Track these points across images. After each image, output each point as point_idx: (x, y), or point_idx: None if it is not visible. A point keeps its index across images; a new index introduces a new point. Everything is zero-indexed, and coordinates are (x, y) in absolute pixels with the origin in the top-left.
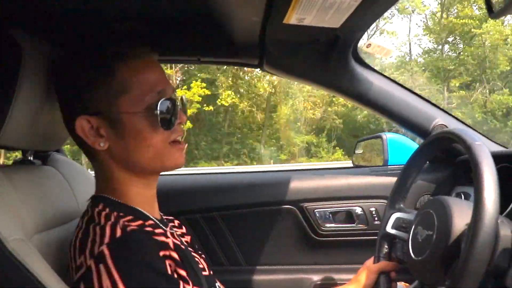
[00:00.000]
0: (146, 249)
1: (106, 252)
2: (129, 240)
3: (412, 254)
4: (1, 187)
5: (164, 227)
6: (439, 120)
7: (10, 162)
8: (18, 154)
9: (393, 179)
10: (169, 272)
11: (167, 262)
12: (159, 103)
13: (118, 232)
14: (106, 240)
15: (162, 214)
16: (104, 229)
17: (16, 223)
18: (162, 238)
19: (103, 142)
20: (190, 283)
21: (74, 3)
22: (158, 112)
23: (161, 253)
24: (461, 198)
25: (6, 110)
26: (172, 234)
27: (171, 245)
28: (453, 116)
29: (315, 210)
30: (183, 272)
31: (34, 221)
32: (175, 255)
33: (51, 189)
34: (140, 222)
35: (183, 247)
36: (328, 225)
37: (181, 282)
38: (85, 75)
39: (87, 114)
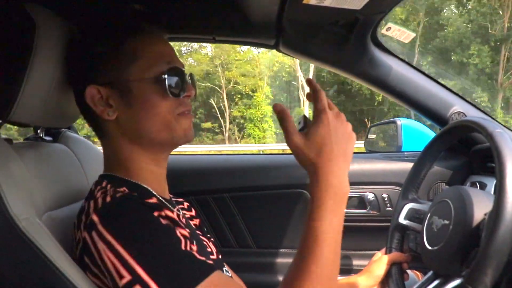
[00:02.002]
0: (136, 208)
1: (96, 218)
2: (118, 203)
3: (426, 244)
4: (13, 164)
5: (171, 207)
6: (457, 107)
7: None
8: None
9: (407, 166)
10: (163, 223)
11: (162, 220)
12: (167, 70)
13: (108, 199)
14: (96, 208)
15: (171, 195)
16: (96, 201)
17: (27, 202)
18: (153, 201)
19: (112, 112)
20: (194, 242)
21: None
22: (166, 78)
23: (155, 213)
24: (477, 187)
25: (19, 85)
26: (178, 216)
27: (175, 217)
28: (472, 104)
29: None
30: (183, 231)
31: (45, 199)
32: (171, 214)
33: (62, 167)
34: (134, 194)
35: (188, 230)
36: None
37: (178, 232)
38: (96, 46)
39: (96, 83)
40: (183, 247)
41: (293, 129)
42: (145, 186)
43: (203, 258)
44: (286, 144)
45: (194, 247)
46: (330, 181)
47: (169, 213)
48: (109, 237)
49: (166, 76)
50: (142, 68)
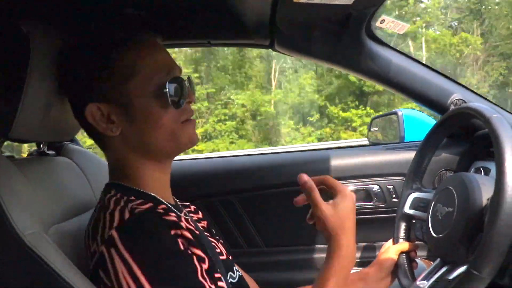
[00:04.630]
0: (156, 228)
1: (115, 235)
2: (138, 221)
3: (432, 232)
4: (16, 180)
5: (178, 212)
6: (457, 95)
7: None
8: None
9: (410, 155)
10: (182, 248)
11: (179, 240)
12: (167, 82)
13: (127, 215)
14: (115, 224)
15: (177, 200)
16: (113, 214)
17: (32, 216)
18: (173, 219)
19: (115, 128)
20: (206, 261)
21: None
22: (167, 91)
23: (172, 232)
24: (481, 173)
25: (16, 102)
26: (186, 219)
27: (184, 226)
28: (471, 90)
29: None
30: (197, 251)
31: (50, 212)
32: (187, 234)
33: (66, 180)
34: (150, 205)
35: (197, 232)
36: None
37: (194, 258)
38: (90, 63)
39: (96, 101)
40: (199, 277)
41: (321, 199)
42: (152, 194)
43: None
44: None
45: (205, 265)
46: (345, 252)
47: (185, 233)
48: (128, 258)
49: (167, 88)
50: (141, 82)
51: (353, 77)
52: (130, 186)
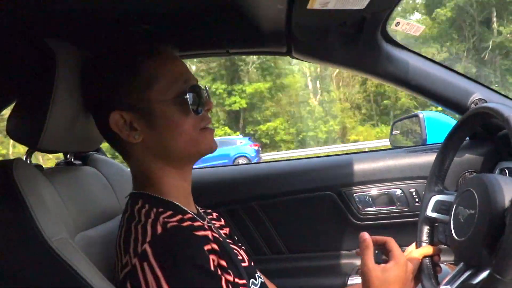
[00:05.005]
0: (188, 245)
1: (149, 250)
2: (171, 237)
3: (454, 235)
4: (44, 189)
5: (201, 220)
6: (477, 94)
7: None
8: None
9: (432, 158)
10: (212, 268)
11: (211, 257)
12: (187, 89)
13: (159, 229)
14: (148, 238)
15: (199, 207)
16: (146, 227)
17: (59, 223)
18: (202, 232)
19: (137, 135)
20: (231, 273)
21: (101, 7)
22: (188, 97)
23: (205, 248)
24: (506, 174)
25: (44, 116)
26: (210, 227)
27: (211, 237)
28: (492, 89)
29: (354, 195)
30: (223, 263)
31: (77, 220)
32: (216, 246)
33: (92, 188)
34: (179, 216)
35: (221, 239)
36: (368, 209)
37: (223, 278)
38: (113, 72)
39: (119, 109)
40: None
41: (371, 259)
42: (177, 203)
43: None
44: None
45: (230, 277)
46: None
47: (214, 245)
48: (160, 274)
49: (187, 95)
50: (162, 89)
51: None
52: (155, 195)
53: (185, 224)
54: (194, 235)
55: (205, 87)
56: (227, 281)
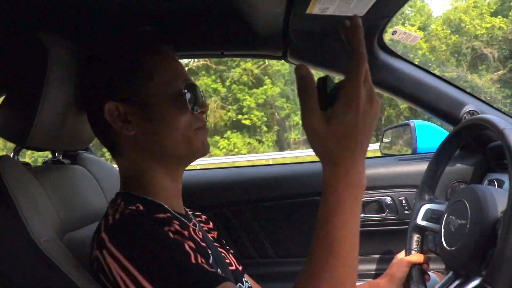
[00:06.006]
0: (144, 223)
1: (105, 236)
2: (126, 219)
3: (445, 244)
4: (32, 188)
5: (186, 221)
6: (470, 106)
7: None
8: (48, 154)
9: (422, 167)
10: (171, 236)
11: (169, 233)
12: (185, 87)
13: (117, 216)
14: (105, 227)
15: (188, 209)
16: (107, 218)
17: (48, 223)
18: (164, 216)
19: (131, 128)
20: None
21: (100, 4)
22: (186, 92)
23: (165, 228)
24: (494, 185)
25: (34, 112)
26: (194, 230)
27: (186, 234)
28: (484, 102)
29: None
30: (193, 245)
31: (65, 220)
32: (181, 230)
33: (81, 188)
34: (141, 208)
35: (204, 244)
36: None
37: (186, 245)
38: (114, 64)
39: (115, 100)
40: (193, 260)
41: (315, 109)
42: (160, 202)
43: (213, 270)
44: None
45: (204, 260)
46: (350, 178)
47: (178, 227)
48: (117, 254)
49: (185, 91)
50: (160, 84)
51: None
52: (138, 195)
53: (146, 211)
54: (153, 216)
55: (201, 90)
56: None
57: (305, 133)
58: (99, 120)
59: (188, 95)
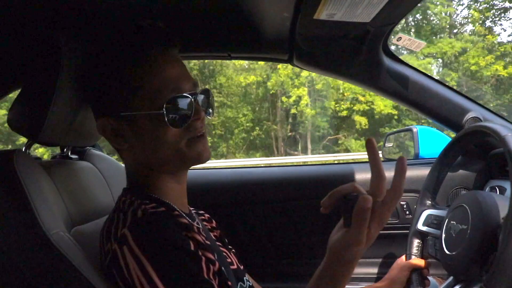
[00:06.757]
0: (168, 227)
1: (127, 233)
2: (150, 220)
3: (445, 249)
4: (43, 181)
5: (190, 220)
6: (473, 113)
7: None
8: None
9: (424, 172)
10: (193, 248)
11: (191, 242)
12: (167, 102)
13: (139, 214)
14: (128, 223)
15: (192, 208)
16: (126, 214)
17: (57, 217)
18: (186, 221)
19: (123, 142)
20: (217, 264)
21: (105, 4)
22: (164, 112)
23: (184, 233)
24: (496, 192)
25: (46, 109)
26: (198, 228)
27: (195, 230)
28: (487, 109)
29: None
30: (208, 254)
31: (73, 214)
32: (199, 237)
33: (88, 183)
34: (163, 209)
35: (208, 242)
36: None
37: (203, 260)
38: (103, 75)
39: (107, 114)
40: (205, 275)
41: (341, 224)
42: (167, 201)
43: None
44: None
45: (216, 267)
46: (347, 268)
47: (196, 235)
48: (140, 254)
49: (164, 109)
50: (144, 100)
51: None
52: (145, 192)
53: (167, 212)
54: (176, 220)
55: (206, 90)
56: (210, 267)
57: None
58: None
59: (172, 111)
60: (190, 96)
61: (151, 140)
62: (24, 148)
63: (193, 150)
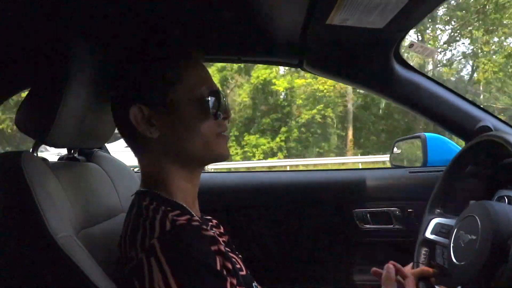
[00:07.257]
0: (197, 244)
1: (157, 245)
2: (179, 234)
3: (454, 259)
4: (50, 183)
5: (204, 226)
6: (483, 122)
7: None
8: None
9: (432, 180)
10: (219, 267)
11: (218, 257)
12: (209, 93)
13: (168, 226)
14: (156, 234)
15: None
16: (154, 223)
17: (65, 219)
18: (211, 234)
19: (154, 130)
20: (235, 277)
21: (124, 10)
22: (210, 100)
23: (212, 248)
24: (505, 202)
25: (54, 111)
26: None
27: (221, 242)
28: (499, 118)
29: (353, 211)
30: (229, 265)
31: (80, 217)
32: (222, 248)
33: (95, 185)
34: (187, 216)
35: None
36: (365, 225)
37: (228, 279)
38: (140, 69)
39: (141, 103)
40: None
41: None
42: (184, 205)
43: None
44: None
45: (234, 281)
46: None
47: (221, 246)
48: (166, 268)
49: (209, 98)
50: (185, 90)
51: None
52: (162, 195)
53: (194, 223)
54: (203, 234)
55: (226, 97)
56: (231, 284)
57: None
58: (125, 121)
59: (211, 101)
60: (223, 95)
61: (187, 129)
62: (31, 149)
63: (220, 146)
